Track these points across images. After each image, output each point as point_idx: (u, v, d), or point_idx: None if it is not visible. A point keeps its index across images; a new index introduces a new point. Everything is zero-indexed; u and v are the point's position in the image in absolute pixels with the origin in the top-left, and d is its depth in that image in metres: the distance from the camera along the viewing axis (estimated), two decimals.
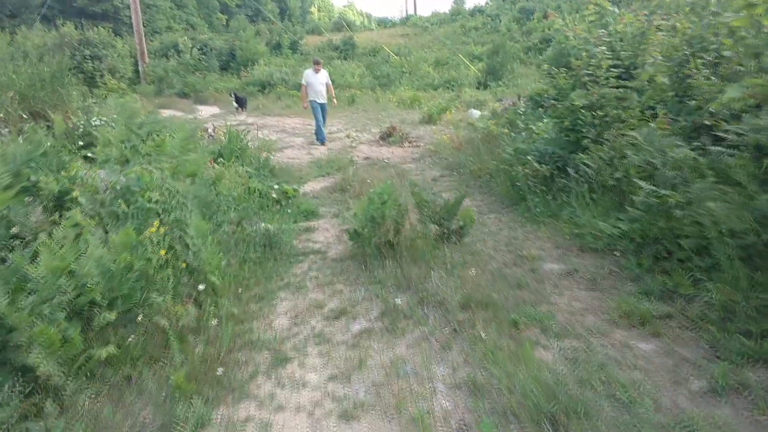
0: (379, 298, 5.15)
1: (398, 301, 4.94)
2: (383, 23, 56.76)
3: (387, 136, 14.90)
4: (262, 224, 7.02)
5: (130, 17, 32.05)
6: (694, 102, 7.46)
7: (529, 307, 4.71)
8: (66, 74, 10.74)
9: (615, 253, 5.61)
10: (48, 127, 10.07)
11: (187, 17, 48.48)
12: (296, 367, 4.18)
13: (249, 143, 10.81)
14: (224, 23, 51.32)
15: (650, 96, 7.91)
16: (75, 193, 5.21)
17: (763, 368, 3.59)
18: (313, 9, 76.17)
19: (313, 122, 15.73)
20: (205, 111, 24.54)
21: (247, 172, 8.68)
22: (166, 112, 24.41)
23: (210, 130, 15.80)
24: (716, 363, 3.72)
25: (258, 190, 8.26)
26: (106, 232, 4.99)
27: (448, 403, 3.59)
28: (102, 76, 25.78)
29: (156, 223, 4.88)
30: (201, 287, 4.81)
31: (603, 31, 8.77)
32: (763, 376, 3.52)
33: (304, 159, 13.08)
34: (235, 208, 7.17)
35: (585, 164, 7.01)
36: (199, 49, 33.06)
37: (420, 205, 6.03)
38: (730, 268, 4.40)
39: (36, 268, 3.94)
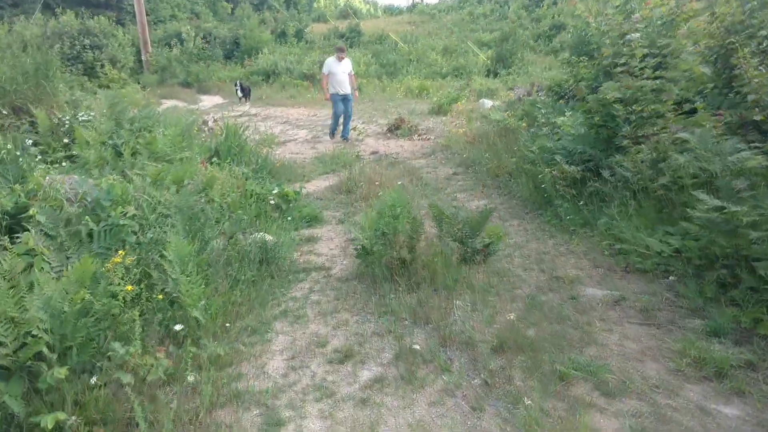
0: (391, 333, 4.27)
1: (416, 346, 4.05)
2: (390, 11, 55.52)
3: (395, 129, 13.99)
4: (259, 235, 6.17)
5: (134, 6, 31.12)
6: (737, 94, 6.59)
7: (575, 352, 3.84)
8: (52, 66, 9.85)
9: (669, 276, 4.73)
10: (32, 123, 9.22)
11: (192, 6, 47.36)
12: None
13: (248, 139, 9.92)
14: (229, 12, 50.16)
15: (685, 87, 7.00)
16: (32, 211, 4.34)
17: None
18: None
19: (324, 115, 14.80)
20: (208, 101, 23.67)
21: (243, 173, 7.82)
22: (168, 103, 23.59)
23: (210, 123, 14.94)
24: None
25: (255, 193, 7.40)
26: (68, 258, 4.15)
27: None
28: (102, 66, 24.88)
29: (121, 252, 4.00)
30: (178, 327, 3.94)
31: (637, 15, 7.82)
32: None
33: (308, 154, 12.20)
34: (228, 219, 6.32)
35: (622, 166, 6.11)
36: (202, 38, 32.05)
37: (438, 220, 5.14)
38: None
39: None
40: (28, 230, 4.17)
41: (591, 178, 6.56)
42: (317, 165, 10.90)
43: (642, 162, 5.88)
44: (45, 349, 3.23)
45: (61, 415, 3.09)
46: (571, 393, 3.40)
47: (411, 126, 13.90)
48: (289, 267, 5.82)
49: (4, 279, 3.50)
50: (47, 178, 5.17)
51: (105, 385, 3.37)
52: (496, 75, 23.30)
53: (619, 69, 7.05)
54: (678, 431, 3.03)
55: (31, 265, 3.82)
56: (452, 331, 4.15)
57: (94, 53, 25.22)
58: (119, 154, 7.39)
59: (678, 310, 4.26)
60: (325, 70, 13.33)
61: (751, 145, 5.42)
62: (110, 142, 8.56)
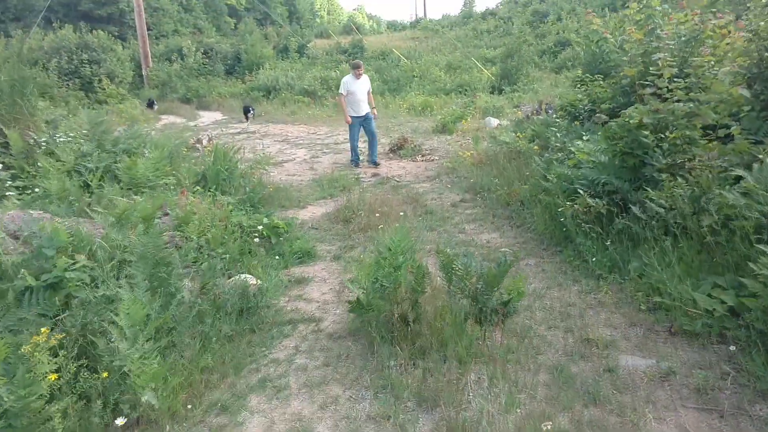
0: (390, 420, 3.43)
1: None
2: (393, 26, 54.94)
3: (398, 149, 13.21)
4: (241, 277, 5.35)
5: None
6: None
7: None
8: (29, 83, 9.08)
9: (725, 342, 3.89)
10: (5, 144, 8.45)
11: (195, 20, 46.87)
12: None
13: (239, 161, 9.11)
14: (233, 27, 49.70)
15: (718, 111, 6.19)
16: None
17: None
18: (322, 12, 74.53)
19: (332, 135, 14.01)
20: (208, 117, 22.96)
21: (229, 203, 7.01)
22: (166, 119, 22.88)
23: (205, 141, 14.15)
24: None
25: (241, 226, 6.59)
26: None
27: None
28: (100, 81, 24.22)
29: (44, 330, 3.17)
30: (120, 422, 3.10)
31: (665, 32, 7.03)
32: None
33: (306, 176, 11.41)
34: (207, 258, 5.50)
35: (655, 202, 5.28)
36: (203, 53, 31.41)
37: (447, 270, 4.29)
38: None
39: None
40: None
41: (618, 214, 5.73)
42: (314, 189, 10.10)
43: (680, 197, 5.05)
44: None
45: None
46: None
47: (414, 146, 13.12)
48: (274, 317, 4.99)
49: None
50: None
51: None
52: (501, 92, 22.54)
53: (647, 90, 6.25)
54: None
55: None
56: (465, 419, 3.30)
57: (92, 68, 24.61)
58: (87, 184, 6.58)
59: (744, 391, 3.42)
60: (342, 90, 11.99)
61: None
62: (86, 166, 7.80)
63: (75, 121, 9.83)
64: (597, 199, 5.77)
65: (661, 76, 6.33)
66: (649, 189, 5.49)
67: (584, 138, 7.65)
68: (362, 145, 12.79)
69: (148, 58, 30.12)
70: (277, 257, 6.23)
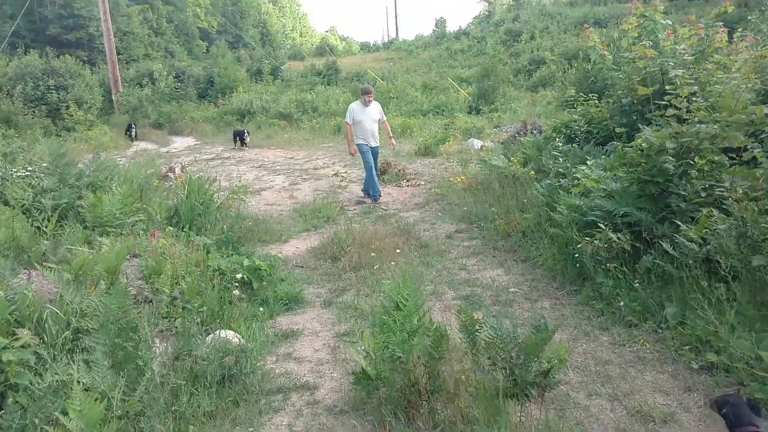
0: None
1: None
2: (366, 48, 54.62)
3: (381, 173, 12.47)
4: (222, 335, 4.58)
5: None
6: None
7: None
8: None
9: None
10: None
11: (166, 44, 45.95)
12: None
13: (215, 194, 8.32)
14: (204, 50, 48.87)
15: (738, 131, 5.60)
16: None
17: None
18: (295, 34, 74.02)
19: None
20: (180, 143, 22.10)
21: (205, 245, 6.23)
22: (137, 145, 21.95)
23: (177, 170, 13.32)
24: None
25: (220, 271, 5.81)
26: None
27: None
28: (68, 107, 23.22)
29: None
30: None
31: (684, 47, 6.46)
32: None
33: (286, 205, 10.65)
34: (180, 315, 4.72)
35: (688, 238, 4.65)
36: (175, 77, 30.55)
37: (470, 334, 3.55)
38: None
39: None
40: None
41: (645, 250, 5.09)
42: (296, 219, 9.35)
43: (721, 233, 4.41)
44: None
45: None
46: None
47: (398, 170, 12.43)
48: (261, 384, 4.21)
49: None
50: None
51: None
52: (478, 112, 22.05)
53: (669, 111, 5.64)
54: None
55: None
56: None
57: (59, 94, 23.61)
58: (38, 233, 5.76)
59: None
60: (348, 118, 10.61)
61: None
62: (48, 202, 6.97)
63: (35, 152, 8.96)
64: (619, 233, 5.12)
65: (677, 95, 5.75)
66: (678, 222, 4.87)
67: (588, 162, 7.01)
68: (348, 170, 12.05)
69: (119, 83, 29.18)
70: (261, 308, 5.44)
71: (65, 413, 2.70)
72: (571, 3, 45.74)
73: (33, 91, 23.33)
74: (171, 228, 6.43)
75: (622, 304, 4.75)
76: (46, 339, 3.44)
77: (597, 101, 9.16)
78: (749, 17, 7.15)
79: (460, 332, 3.60)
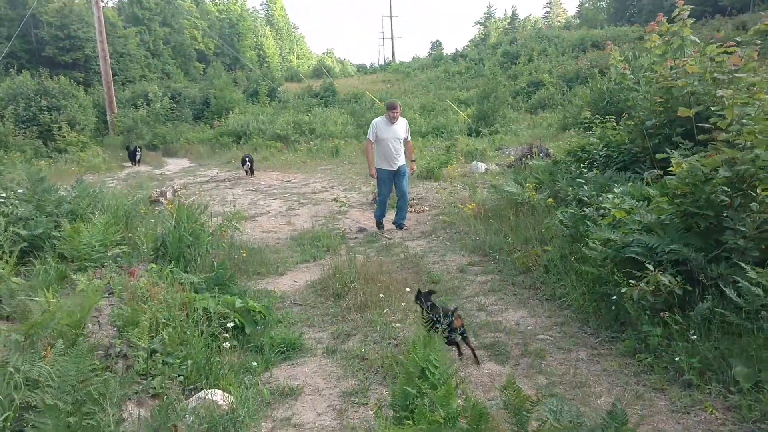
0: None
1: None
2: (362, 70, 54.23)
3: None
4: (208, 395, 3.82)
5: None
6: None
7: None
8: None
9: None
10: None
11: (163, 66, 45.43)
12: None
13: (206, 223, 7.57)
14: (201, 72, 48.38)
15: None
16: None
17: None
18: (292, 56, 73.74)
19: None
20: (174, 165, 21.37)
21: (192, 283, 5.46)
22: (130, 167, 21.21)
23: (169, 194, 12.57)
24: None
25: (208, 314, 5.05)
26: None
27: None
28: (60, 128, 22.50)
29: None
30: None
31: (734, 65, 5.78)
32: None
33: (283, 232, 9.91)
34: (159, 371, 3.96)
35: (755, 283, 3.92)
36: (171, 98, 29.90)
37: (520, 417, 2.78)
38: None
39: None
40: None
41: (698, 295, 4.36)
42: (294, 249, 8.61)
43: None
44: None
45: None
46: None
47: None
48: None
49: None
50: None
51: None
52: (478, 134, 21.44)
53: (722, 135, 4.95)
54: None
55: None
56: None
57: (51, 115, 22.86)
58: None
59: None
60: (371, 135, 9.40)
61: None
62: (20, 234, 6.22)
63: (12, 177, 8.23)
64: (669, 276, 4.39)
65: (723, 117, 5.08)
66: (740, 262, 4.14)
67: (615, 190, 6.29)
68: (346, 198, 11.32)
69: (113, 104, 28.50)
70: (254, 362, 4.66)
71: None
72: (566, 26, 45.58)
73: (25, 112, 22.61)
74: (154, 265, 5.65)
75: (678, 359, 4.00)
76: None
77: (615, 123, 8.52)
78: None
79: (506, 411, 2.83)
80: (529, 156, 12.86)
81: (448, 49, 51.56)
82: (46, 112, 22.86)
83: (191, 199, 12.93)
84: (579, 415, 2.67)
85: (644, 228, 5.17)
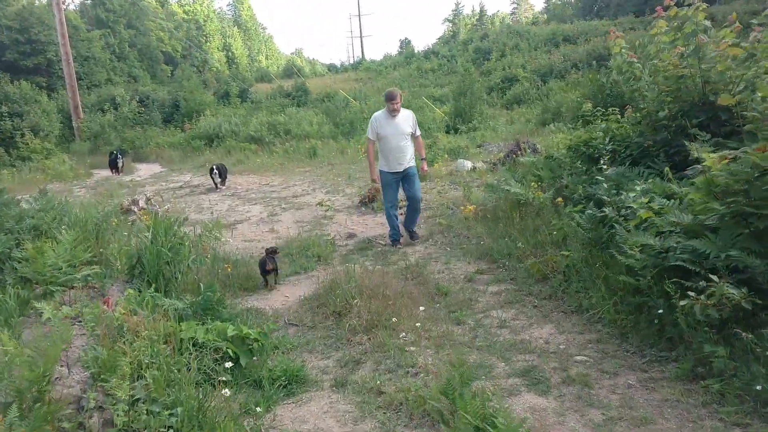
0: None
1: None
2: (333, 69, 53.35)
3: (369, 201, 11.11)
4: None
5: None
6: None
7: None
8: None
9: None
10: None
11: (129, 69, 43.92)
12: None
13: (186, 237, 6.79)
14: (169, 74, 47.01)
15: None
16: None
17: None
18: (261, 57, 72.42)
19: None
20: (145, 170, 20.37)
21: (176, 309, 4.71)
22: (99, 174, 20.16)
23: (141, 202, 11.71)
24: None
25: (198, 345, 4.31)
26: None
27: None
28: (23, 135, 21.32)
29: None
30: None
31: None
32: None
33: (267, 240, 9.16)
34: (143, 424, 3.22)
35: None
36: (139, 102, 28.75)
37: None
38: None
39: None
40: None
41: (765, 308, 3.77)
42: (281, 259, 7.84)
43: None
44: None
45: None
46: None
47: None
48: None
49: None
50: None
51: None
52: (456, 131, 20.84)
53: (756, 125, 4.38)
54: None
55: None
56: None
57: (13, 121, 21.65)
58: None
59: None
60: (370, 133, 8.10)
61: None
62: None
63: None
64: (733, 288, 3.78)
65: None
66: None
67: (637, 189, 5.68)
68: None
69: (79, 109, 27.25)
70: (256, 405, 3.93)
71: None
72: (534, 22, 45.34)
73: None
74: (131, 291, 4.87)
75: (759, 388, 3.39)
76: None
77: (619, 116, 7.96)
78: None
79: None
80: (518, 152, 12.29)
81: (418, 47, 51.01)
82: (7, 119, 21.65)
83: (166, 207, 12.12)
84: None
85: (683, 231, 4.58)
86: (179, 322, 4.50)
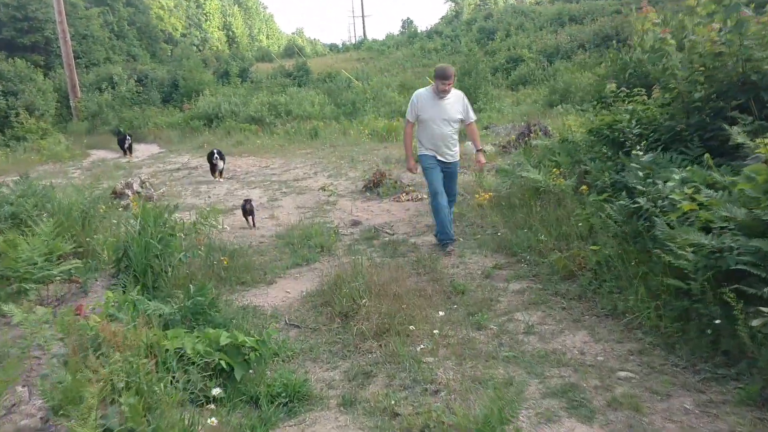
0: None
1: None
2: (334, 49, 52.37)
3: (374, 186, 10.49)
4: None
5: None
6: None
7: None
8: None
9: None
10: None
11: (128, 48, 42.95)
12: None
13: (178, 226, 6.17)
14: (168, 53, 46.04)
15: None
16: None
17: None
18: (262, 36, 71.18)
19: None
20: (143, 151, 19.70)
21: (162, 315, 4.11)
22: (96, 154, 19.53)
23: (135, 186, 11.08)
24: None
25: (185, 360, 3.72)
26: None
27: None
28: (17, 114, 20.62)
29: None
30: None
31: None
32: None
33: (267, 227, 8.57)
34: None
35: None
36: (137, 81, 27.97)
37: None
38: None
39: None
40: None
41: None
42: (282, 249, 7.31)
43: None
44: None
45: None
46: None
47: (394, 181, 10.42)
48: None
49: None
50: None
51: None
52: None
53: None
54: None
55: None
56: None
57: (7, 100, 20.95)
58: None
59: None
60: (410, 114, 6.84)
61: None
62: None
63: None
64: None
65: None
66: None
67: (675, 177, 5.06)
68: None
69: (77, 88, 26.54)
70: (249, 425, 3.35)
71: None
72: (538, 2, 44.32)
73: None
74: (110, 293, 4.26)
75: None
76: None
77: (645, 97, 7.30)
78: None
79: None
80: (530, 135, 11.65)
81: (420, 27, 49.97)
82: (1, 97, 20.93)
83: (161, 190, 11.51)
84: None
85: (737, 227, 3.97)
86: (165, 329, 3.91)
